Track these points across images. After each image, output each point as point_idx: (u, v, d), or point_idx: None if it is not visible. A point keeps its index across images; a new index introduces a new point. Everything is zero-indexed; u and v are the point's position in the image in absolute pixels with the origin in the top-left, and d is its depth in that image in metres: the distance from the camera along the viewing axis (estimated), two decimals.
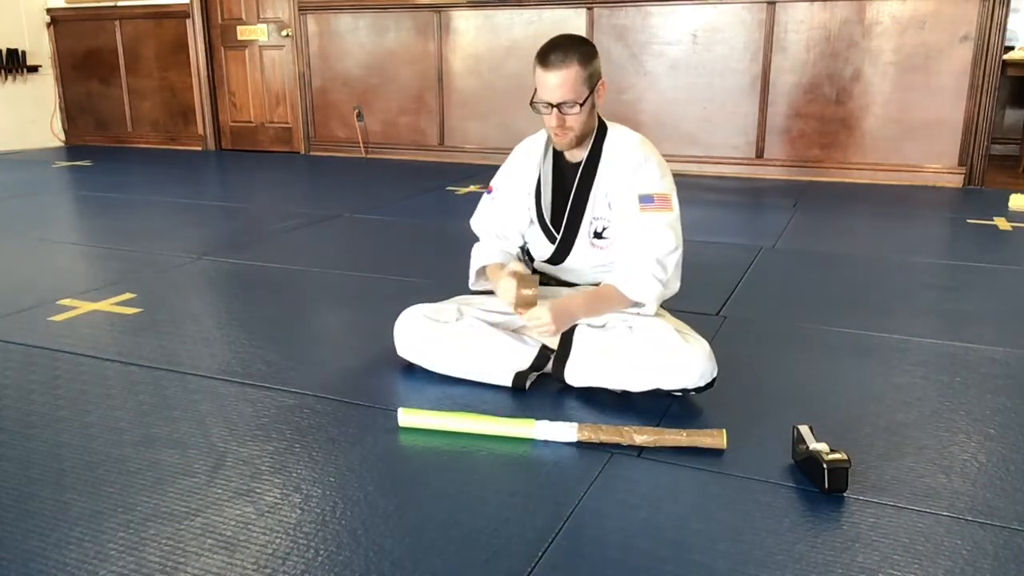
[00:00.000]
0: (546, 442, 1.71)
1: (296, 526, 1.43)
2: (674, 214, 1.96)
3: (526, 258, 2.20)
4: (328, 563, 1.32)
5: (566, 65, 1.86)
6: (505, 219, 2.15)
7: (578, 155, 2.03)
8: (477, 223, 2.23)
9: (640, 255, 1.93)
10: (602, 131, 2.03)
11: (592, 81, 1.91)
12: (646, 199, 1.94)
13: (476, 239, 2.24)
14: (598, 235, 2.04)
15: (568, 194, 2.04)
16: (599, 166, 2.01)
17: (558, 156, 2.07)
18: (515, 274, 1.95)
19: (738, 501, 1.50)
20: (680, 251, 1.96)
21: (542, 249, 2.13)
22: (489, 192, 2.20)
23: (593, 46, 1.95)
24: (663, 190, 1.96)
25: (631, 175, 1.96)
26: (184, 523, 1.43)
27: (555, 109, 1.89)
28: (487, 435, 1.74)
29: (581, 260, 2.08)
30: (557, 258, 2.10)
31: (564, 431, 1.71)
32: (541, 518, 1.45)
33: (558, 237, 2.07)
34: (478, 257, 2.19)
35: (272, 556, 1.34)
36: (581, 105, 1.89)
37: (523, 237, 2.16)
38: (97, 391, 2.00)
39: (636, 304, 1.95)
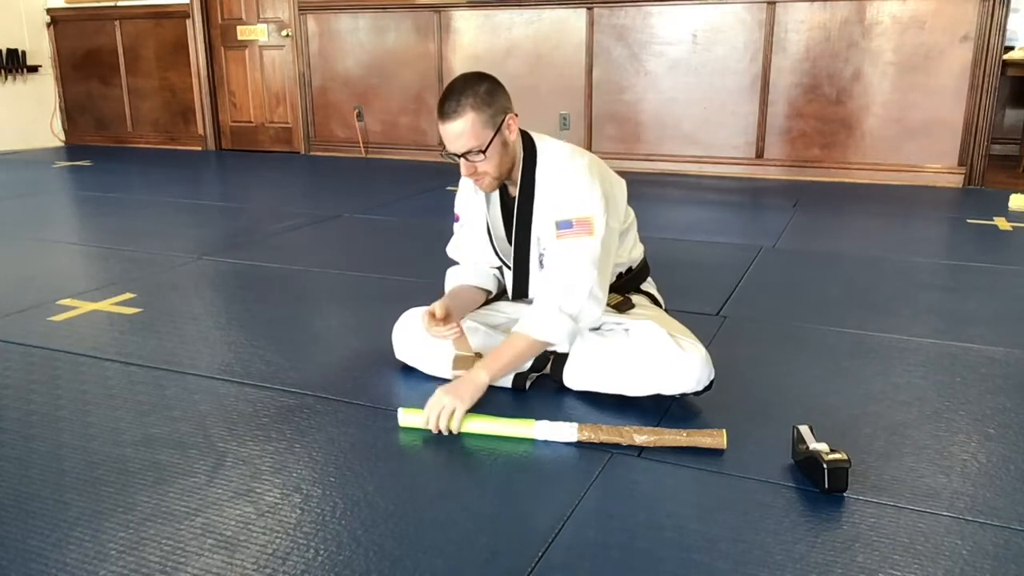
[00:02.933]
0: (546, 442, 1.71)
1: (296, 526, 1.43)
2: (594, 239, 1.83)
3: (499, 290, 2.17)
4: (328, 563, 1.32)
5: (460, 114, 1.77)
6: (475, 247, 2.10)
7: (515, 189, 1.95)
8: (452, 250, 2.17)
9: (549, 285, 1.84)
10: (532, 157, 1.91)
11: (495, 121, 1.80)
12: (564, 224, 1.84)
13: None
14: None
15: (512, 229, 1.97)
16: (535, 196, 1.91)
17: (503, 190, 1.98)
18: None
19: (738, 501, 1.50)
20: (595, 275, 1.82)
21: (508, 283, 2.08)
22: (456, 220, 2.14)
23: (491, 83, 1.82)
24: (583, 213, 1.83)
25: (552, 201, 1.87)
26: (184, 523, 1.43)
27: (462, 158, 1.82)
28: (487, 435, 1.74)
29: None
30: (517, 292, 2.04)
31: (564, 431, 1.71)
32: (541, 518, 1.45)
33: (511, 272, 2.02)
34: (449, 279, 2.15)
35: (272, 556, 1.34)
36: (485, 151, 1.80)
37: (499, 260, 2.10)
38: (97, 391, 2.00)
39: (549, 346, 1.87)
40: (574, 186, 1.86)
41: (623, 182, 2.02)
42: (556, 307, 1.81)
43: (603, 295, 1.86)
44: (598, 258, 1.84)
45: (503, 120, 1.82)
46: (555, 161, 1.90)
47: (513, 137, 1.87)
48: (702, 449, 1.66)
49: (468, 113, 1.77)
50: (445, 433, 1.74)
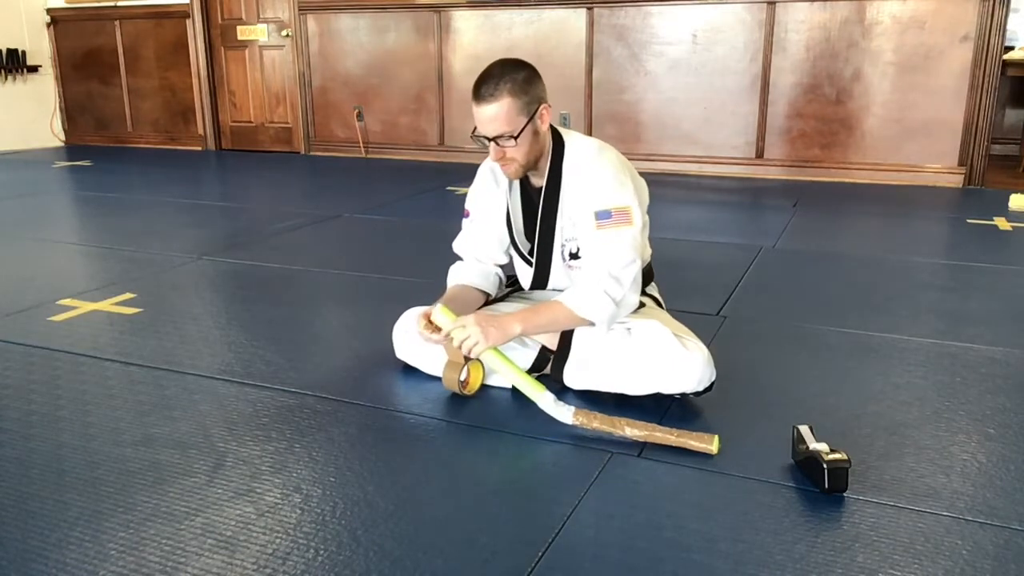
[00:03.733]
0: (546, 440, 1.71)
1: (296, 526, 1.43)
2: (634, 228, 1.85)
3: (509, 286, 2.17)
4: (328, 563, 1.32)
5: (496, 98, 1.78)
6: (483, 244, 2.10)
7: (540, 180, 1.95)
8: (459, 246, 2.16)
9: (594, 270, 1.84)
10: (559, 150, 1.93)
11: (530, 109, 1.82)
12: (603, 215, 1.85)
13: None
14: (573, 256, 1.97)
15: (537, 220, 1.98)
16: (561, 187, 1.93)
17: (525, 181, 2.00)
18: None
19: (738, 501, 1.50)
20: (638, 264, 1.86)
21: (525, 276, 2.10)
22: (467, 216, 2.13)
23: (530, 71, 1.84)
24: (621, 203, 1.85)
25: (587, 192, 1.88)
26: (184, 523, 1.43)
27: (493, 142, 1.83)
28: (495, 377, 1.89)
29: (562, 284, 2.03)
30: (537, 284, 2.06)
31: (562, 412, 1.74)
32: (541, 518, 1.45)
33: (533, 264, 2.03)
34: (451, 277, 2.14)
35: (272, 556, 1.34)
36: (516, 137, 1.81)
37: (506, 258, 2.12)
38: (97, 391, 2.00)
39: (586, 323, 1.86)
40: (608, 177, 1.88)
41: (644, 183, 2.03)
42: (602, 289, 1.82)
43: (640, 285, 1.89)
44: (640, 247, 1.87)
45: (537, 109, 1.84)
46: (584, 154, 1.92)
47: (545, 127, 1.89)
48: (681, 448, 1.66)
49: (505, 98, 1.78)
50: (464, 353, 1.81)
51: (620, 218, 1.85)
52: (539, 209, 1.97)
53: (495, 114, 1.79)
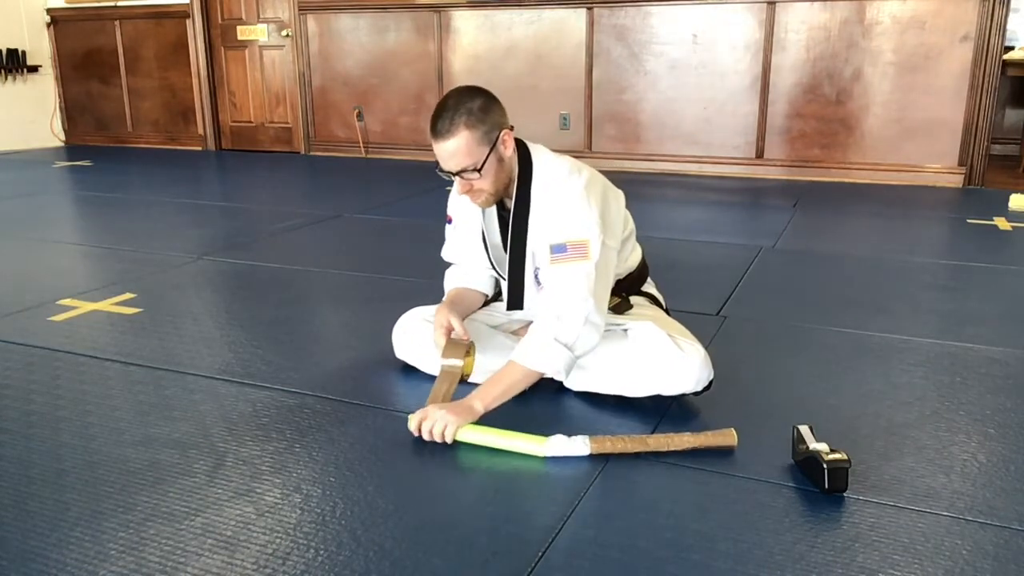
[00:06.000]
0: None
1: (296, 526, 1.43)
2: (589, 263, 1.76)
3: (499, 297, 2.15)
4: (328, 563, 1.32)
5: (452, 133, 1.72)
6: (468, 252, 2.07)
7: (510, 203, 1.89)
8: (448, 254, 2.14)
9: (543, 316, 1.77)
10: (527, 172, 1.86)
11: (490, 137, 1.75)
12: (558, 248, 1.77)
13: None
14: None
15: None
16: (530, 212, 1.86)
17: (499, 202, 1.93)
18: (447, 339, 1.85)
19: (738, 501, 1.50)
20: (591, 303, 1.74)
21: (504, 293, 2.04)
22: (449, 222, 2.10)
23: (485, 98, 1.77)
24: (578, 237, 1.76)
25: (549, 221, 1.81)
26: (184, 523, 1.43)
27: (458, 176, 1.78)
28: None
29: (537, 306, 1.94)
30: (511, 306, 2.00)
31: (576, 447, 1.65)
32: (541, 518, 1.45)
33: (506, 286, 1.98)
34: (447, 281, 2.12)
35: (272, 556, 1.34)
36: (480, 169, 1.76)
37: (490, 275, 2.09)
38: (97, 391, 2.00)
39: (544, 376, 1.78)
40: (569, 208, 1.79)
41: (621, 194, 1.97)
42: (551, 336, 1.73)
43: (601, 320, 1.78)
44: (594, 283, 1.77)
45: (498, 136, 1.77)
46: (552, 179, 1.85)
47: (509, 153, 1.82)
48: (702, 449, 1.66)
49: (462, 131, 1.73)
50: (438, 440, 1.71)
51: (575, 252, 1.77)
52: (508, 234, 1.91)
53: (455, 149, 1.74)
